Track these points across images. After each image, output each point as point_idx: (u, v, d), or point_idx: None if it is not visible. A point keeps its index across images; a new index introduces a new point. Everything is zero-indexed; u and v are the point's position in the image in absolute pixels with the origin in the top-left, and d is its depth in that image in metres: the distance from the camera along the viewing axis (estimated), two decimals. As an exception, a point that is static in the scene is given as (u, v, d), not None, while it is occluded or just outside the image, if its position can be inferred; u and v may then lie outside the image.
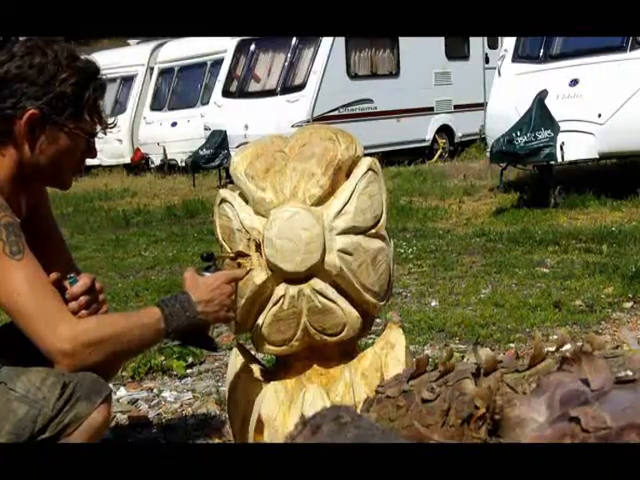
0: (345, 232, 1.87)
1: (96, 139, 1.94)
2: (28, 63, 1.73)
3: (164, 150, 14.28)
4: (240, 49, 12.59)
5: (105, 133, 1.90)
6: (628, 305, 3.84)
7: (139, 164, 15.24)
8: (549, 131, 6.84)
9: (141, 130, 15.44)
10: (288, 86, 11.84)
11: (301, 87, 11.64)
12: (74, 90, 1.76)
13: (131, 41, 18.03)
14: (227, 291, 1.80)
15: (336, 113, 11.52)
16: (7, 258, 1.64)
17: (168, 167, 14.28)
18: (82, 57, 1.81)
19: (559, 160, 6.97)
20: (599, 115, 6.97)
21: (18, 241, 1.67)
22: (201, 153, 11.56)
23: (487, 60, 13.45)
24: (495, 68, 8.59)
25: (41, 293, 1.66)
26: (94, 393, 1.71)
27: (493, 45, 13.35)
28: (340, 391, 1.92)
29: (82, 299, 1.82)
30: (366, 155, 1.98)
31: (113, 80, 15.54)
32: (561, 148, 6.91)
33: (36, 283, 1.67)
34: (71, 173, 1.88)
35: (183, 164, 13.19)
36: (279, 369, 2.08)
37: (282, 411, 1.92)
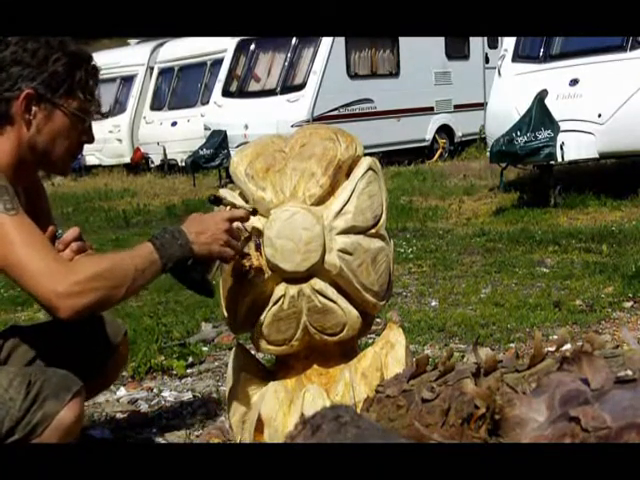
0: (345, 232, 1.87)
1: (96, 139, 1.96)
2: (22, 48, 1.78)
3: (164, 150, 14.28)
4: (240, 49, 12.59)
5: (102, 114, 1.93)
6: (628, 305, 3.84)
7: (139, 164, 15.24)
8: (549, 131, 6.83)
9: (141, 130, 15.45)
10: (288, 86, 11.84)
11: (301, 87, 11.64)
12: (66, 69, 1.81)
13: (131, 41, 18.03)
14: (223, 226, 1.77)
15: (336, 113, 11.52)
16: (1, 214, 1.66)
17: (168, 167, 14.29)
18: (73, 45, 1.87)
19: (559, 160, 6.97)
20: (599, 115, 6.97)
21: (12, 200, 1.69)
22: (201, 153, 11.57)
23: (487, 60, 13.45)
24: (495, 68, 8.58)
25: (36, 243, 1.66)
26: (62, 390, 1.70)
27: (493, 45, 13.35)
28: (340, 391, 1.92)
29: (74, 245, 1.84)
30: (366, 155, 1.98)
31: (113, 80, 15.57)
32: (561, 148, 6.91)
33: (30, 235, 1.67)
34: (69, 156, 1.90)
35: (183, 164, 13.19)
36: (279, 369, 2.08)
37: (282, 411, 1.92)
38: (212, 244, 1.76)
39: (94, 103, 1.88)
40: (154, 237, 1.74)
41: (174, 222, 8.40)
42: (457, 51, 13.27)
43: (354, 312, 1.92)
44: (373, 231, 1.92)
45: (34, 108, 1.79)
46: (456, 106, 13.35)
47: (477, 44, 13.39)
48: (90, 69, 1.87)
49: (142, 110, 15.58)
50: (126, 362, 2.39)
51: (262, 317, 1.93)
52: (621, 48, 7.10)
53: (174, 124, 14.75)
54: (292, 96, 11.59)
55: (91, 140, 1.92)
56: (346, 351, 2.01)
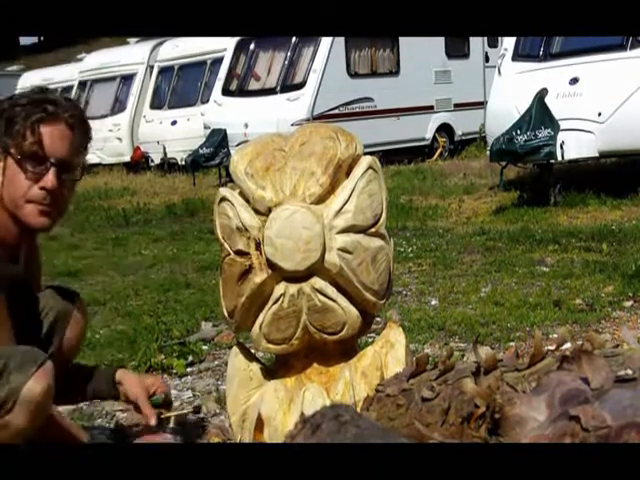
0: (345, 231, 1.87)
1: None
2: None
3: (164, 149, 14.28)
4: (240, 48, 12.58)
5: (52, 164, 1.88)
6: (628, 304, 3.83)
7: (139, 163, 15.24)
8: (549, 130, 6.83)
9: (141, 129, 15.44)
10: (288, 84, 11.84)
11: (301, 85, 11.63)
12: (6, 107, 1.84)
13: (131, 39, 18.02)
14: None
15: (336, 112, 11.51)
16: None
17: (168, 166, 14.29)
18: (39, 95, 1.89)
19: (559, 159, 6.96)
20: (599, 114, 6.96)
21: None
22: (201, 152, 11.57)
23: (487, 59, 13.44)
24: (495, 67, 8.58)
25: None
26: (27, 362, 1.70)
27: (493, 44, 13.34)
28: (340, 390, 1.92)
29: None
30: (366, 154, 1.98)
31: (113, 78, 15.55)
32: (561, 147, 6.90)
33: None
34: (28, 204, 1.88)
35: (183, 163, 13.19)
36: (279, 368, 2.08)
37: (282, 410, 1.92)
38: None
39: (35, 141, 1.85)
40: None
41: (174, 221, 8.42)
42: (457, 50, 13.26)
43: (354, 311, 1.92)
44: (373, 230, 1.92)
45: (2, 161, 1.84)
46: (456, 105, 13.34)
47: (477, 43, 13.38)
48: (36, 106, 1.85)
49: (142, 109, 15.57)
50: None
51: (262, 316, 1.93)
52: (621, 47, 7.09)
53: (174, 123, 14.74)
54: (292, 95, 11.58)
55: (47, 185, 1.87)
56: (346, 350, 2.01)
